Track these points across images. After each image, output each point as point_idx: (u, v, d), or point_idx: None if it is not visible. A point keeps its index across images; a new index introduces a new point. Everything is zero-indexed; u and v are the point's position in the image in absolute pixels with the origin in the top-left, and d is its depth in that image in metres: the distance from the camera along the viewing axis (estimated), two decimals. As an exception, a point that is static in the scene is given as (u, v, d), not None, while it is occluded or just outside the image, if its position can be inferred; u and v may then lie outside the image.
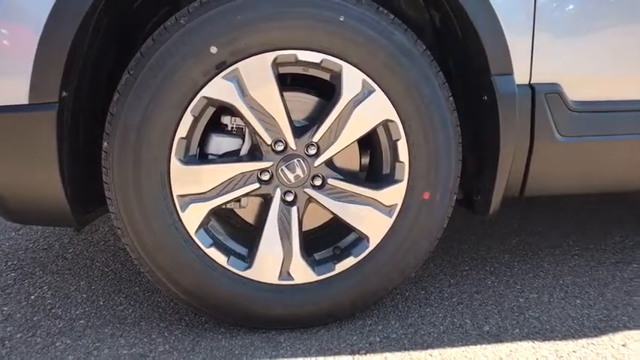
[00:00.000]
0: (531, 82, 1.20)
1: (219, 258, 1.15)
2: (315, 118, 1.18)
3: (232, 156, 1.17)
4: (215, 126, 1.18)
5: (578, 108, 1.23)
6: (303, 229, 1.21)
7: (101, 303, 1.37)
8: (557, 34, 1.19)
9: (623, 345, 1.20)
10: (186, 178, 1.10)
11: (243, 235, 1.24)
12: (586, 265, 1.62)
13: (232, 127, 1.17)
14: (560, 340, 1.22)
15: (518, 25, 1.15)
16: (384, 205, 1.18)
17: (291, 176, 1.15)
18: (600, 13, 1.21)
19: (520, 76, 1.18)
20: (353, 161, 1.26)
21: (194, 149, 1.13)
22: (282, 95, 1.11)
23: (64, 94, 1.06)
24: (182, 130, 1.08)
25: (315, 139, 1.14)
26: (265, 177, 1.15)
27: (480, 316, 1.31)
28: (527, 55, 1.17)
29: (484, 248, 1.73)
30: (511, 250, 1.73)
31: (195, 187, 1.11)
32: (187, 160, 1.11)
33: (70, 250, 1.70)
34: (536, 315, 1.32)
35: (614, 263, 1.64)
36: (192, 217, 1.12)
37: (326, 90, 1.18)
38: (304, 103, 1.21)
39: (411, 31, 1.13)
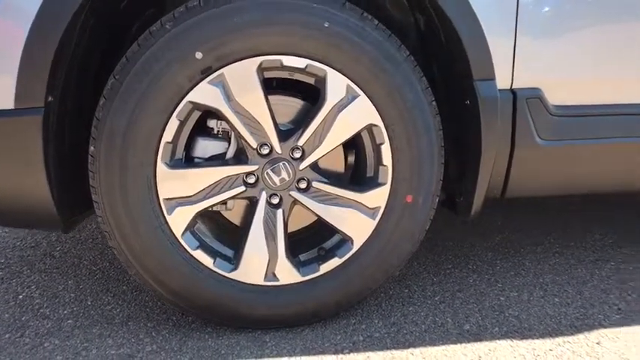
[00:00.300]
0: (513, 87, 1.22)
1: (206, 260, 1.17)
2: (301, 122, 1.19)
3: (218, 159, 1.18)
4: (201, 129, 1.19)
5: (558, 112, 1.26)
6: (289, 231, 1.23)
7: (89, 302, 1.38)
8: (539, 40, 1.21)
9: (597, 343, 1.24)
10: (173, 182, 1.12)
11: (230, 236, 1.26)
12: (566, 263, 1.66)
13: (218, 131, 1.19)
14: (537, 338, 1.26)
15: (500, 32, 1.17)
16: (367, 207, 1.20)
17: (276, 179, 1.17)
18: (581, 20, 1.24)
19: (502, 81, 1.21)
20: (338, 164, 1.28)
21: (180, 153, 1.15)
22: (267, 100, 1.12)
23: (50, 98, 1.06)
24: (168, 135, 1.09)
25: (301, 142, 1.16)
26: (251, 180, 1.16)
27: (461, 314, 1.35)
28: (509, 61, 1.20)
29: (467, 246, 1.76)
30: (494, 248, 1.76)
31: (182, 191, 1.12)
32: (173, 163, 1.12)
33: (58, 248, 1.71)
34: (515, 313, 1.36)
35: (593, 261, 1.68)
36: (179, 220, 1.14)
37: (311, 93, 1.20)
38: (290, 106, 1.22)
39: (395, 35, 1.15)
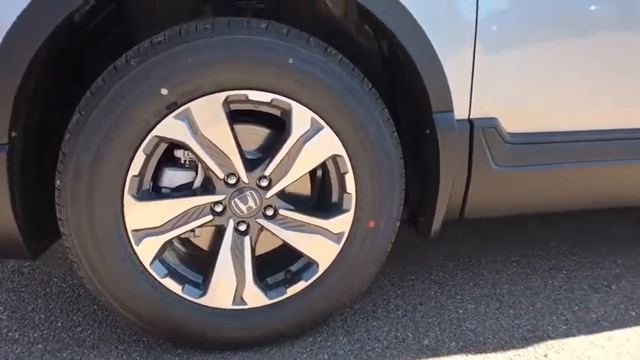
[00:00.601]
0: (470, 117, 1.28)
1: (174, 287, 1.20)
2: (268, 150, 1.22)
3: (186, 189, 1.21)
4: (168, 159, 1.21)
5: (513, 140, 1.33)
6: (256, 253, 1.27)
7: (59, 324, 1.40)
8: (495, 72, 1.26)
9: (544, 355, 1.33)
10: (140, 214, 1.14)
11: (198, 261, 1.29)
12: (522, 272, 1.76)
13: (185, 161, 1.21)
14: (491, 352, 1.34)
15: (458, 66, 1.22)
16: (332, 233, 1.25)
17: (243, 208, 1.20)
18: (535, 53, 1.29)
19: (460, 112, 1.26)
20: (304, 190, 1.32)
21: (147, 184, 1.17)
22: (233, 132, 1.15)
23: (14, 134, 1.07)
24: (135, 169, 1.11)
25: (267, 172, 1.19)
26: (218, 209, 1.19)
27: (421, 329, 1.42)
28: (466, 93, 1.25)
29: (430, 256, 1.84)
30: (455, 258, 1.84)
31: (149, 222, 1.15)
32: (140, 196, 1.14)
33: (27, 265, 1.70)
34: (472, 327, 1.44)
35: (547, 270, 1.78)
36: (147, 250, 1.16)
37: (278, 121, 1.23)
38: (256, 134, 1.25)
39: (362, 61, 1.19)
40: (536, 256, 1.87)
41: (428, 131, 1.27)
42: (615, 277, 1.76)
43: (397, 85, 1.35)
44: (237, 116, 1.20)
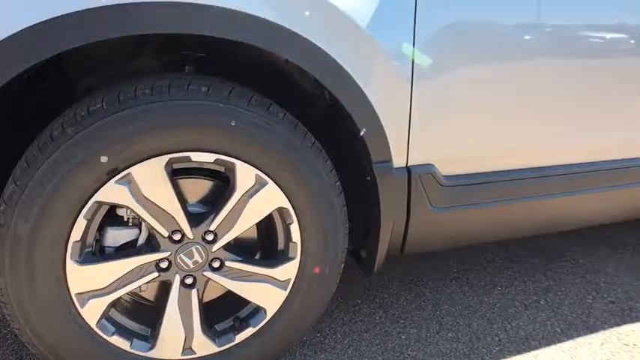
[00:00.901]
0: (408, 164, 1.34)
1: (123, 344, 1.21)
2: (213, 202, 1.24)
3: (130, 247, 1.21)
4: (111, 217, 1.20)
5: (448, 183, 1.40)
6: (204, 300, 1.29)
7: (2, 378, 1.37)
8: (431, 123, 1.33)
9: (478, 381, 1.44)
10: (84, 277, 1.13)
11: (146, 314, 1.30)
12: (460, 290, 1.87)
13: (128, 219, 1.20)
14: (430, 380, 1.44)
15: (396, 119, 1.28)
16: (279, 280, 1.29)
17: (189, 262, 1.22)
18: (469, 102, 1.36)
19: (398, 161, 1.32)
20: (250, 240, 1.34)
21: (90, 246, 1.16)
22: (177, 190, 1.15)
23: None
24: (76, 235, 1.10)
25: (212, 227, 1.21)
26: (164, 265, 1.20)
27: (366, 359, 1.50)
28: (404, 143, 1.31)
29: (375, 276, 1.92)
30: (399, 276, 1.94)
31: (94, 284, 1.14)
32: (83, 259, 1.13)
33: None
34: (413, 353, 1.53)
35: (483, 286, 1.90)
36: (92, 311, 1.16)
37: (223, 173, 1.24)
38: (201, 186, 1.26)
39: (306, 108, 1.22)
40: (474, 271, 1.99)
41: (369, 178, 1.32)
42: (544, 290, 1.91)
43: (339, 132, 1.38)
44: (181, 169, 1.20)
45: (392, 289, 1.86)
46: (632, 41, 1.50)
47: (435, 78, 1.29)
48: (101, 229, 1.18)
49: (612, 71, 1.50)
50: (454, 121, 1.36)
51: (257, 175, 1.19)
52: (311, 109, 1.37)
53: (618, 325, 1.73)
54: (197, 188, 1.25)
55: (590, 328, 1.70)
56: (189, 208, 1.21)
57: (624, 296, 1.91)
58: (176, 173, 1.18)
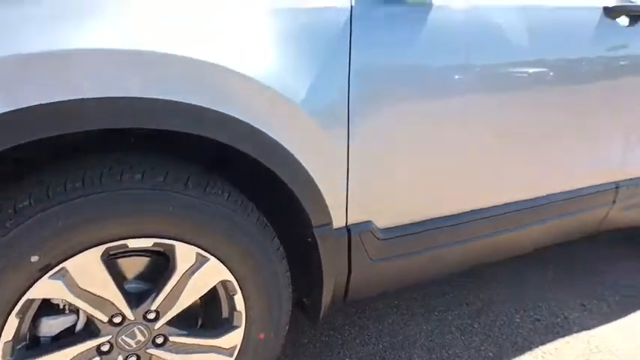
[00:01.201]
0: (347, 224, 1.38)
1: None
2: (154, 278, 1.22)
3: (68, 334, 1.17)
4: (46, 305, 1.15)
5: (386, 236, 1.46)
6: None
7: None
8: (368, 183, 1.37)
9: (419, 419, 1.53)
10: (19, 376, 1.09)
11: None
12: (401, 319, 1.96)
13: (65, 306, 1.16)
14: (375, 422, 1.51)
15: (334, 185, 1.30)
16: (224, 348, 1.30)
17: (132, 342, 1.20)
18: (401, 159, 1.41)
19: (337, 222, 1.36)
20: (193, 312, 1.33)
21: (24, 340, 1.11)
22: (115, 274, 1.13)
23: None
24: (7, 334, 1.05)
25: (154, 307, 1.19)
26: (105, 348, 1.17)
27: (314, 407, 1.55)
28: (343, 206, 1.35)
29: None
30: (343, 309, 1.99)
31: (31, 381, 1.10)
32: (17, 356, 1.09)
33: None
34: (358, 395, 1.60)
35: (422, 313, 2.01)
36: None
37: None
38: (141, 264, 1.23)
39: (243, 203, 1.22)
40: (413, 299, 2.09)
41: (309, 239, 1.35)
42: (477, 312, 2.04)
43: (279, 197, 1.40)
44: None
45: (336, 323, 1.92)
46: (539, 91, 1.60)
47: (369, 143, 1.32)
48: (35, 319, 1.14)
49: (523, 121, 1.60)
50: (389, 179, 1.41)
51: (198, 253, 1.18)
52: (250, 179, 1.36)
53: (543, 343, 1.89)
54: (136, 265, 1.23)
55: (519, 349, 1.85)
56: (129, 286, 1.19)
57: (547, 312, 2.08)
58: (115, 252, 1.15)
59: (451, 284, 2.19)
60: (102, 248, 1.08)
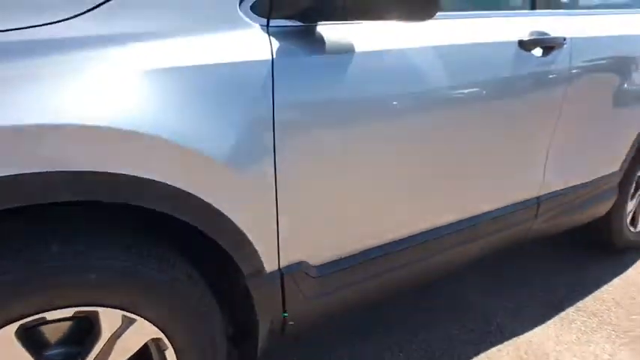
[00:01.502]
0: (280, 267, 1.38)
1: None
2: (79, 340, 1.17)
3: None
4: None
5: (320, 273, 1.48)
6: None
7: None
8: (299, 226, 1.37)
9: None
10: None
11: None
12: (336, 339, 2.00)
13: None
14: None
15: (264, 233, 1.30)
16: (159, 403, 1.28)
17: (60, 412, 1.16)
18: (328, 198, 1.42)
19: (269, 266, 1.36)
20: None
21: None
22: (33, 346, 1.08)
23: None
24: None
25: (80, 373, 1.16)
26: (30, 421, 1.13)
27: None
28: (274, 251, 1.34)
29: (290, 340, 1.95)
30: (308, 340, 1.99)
31: None
32: None
33: None
34: None
35: (358, 342, 2.02)
36: None
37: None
38: (64, 327, 1.19)
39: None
40: (345, 325, 2.10)
41: (242, 286, 1.35)
42: (420, 327, 2.10)
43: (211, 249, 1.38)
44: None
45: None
46: (461, 121, 1.64)
47: (297, 187, 1.32)
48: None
49: (448, 150, 1.64)
50: (319, 220, 1.42)
51: (123, 315, 1.15)
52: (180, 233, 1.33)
53: (476, 354, 1.98)
54: (60, 330, 1.18)
55: (456, 364, 1.93)
56: (53, 352, 1.15)
57: (482, 321, 2.18)
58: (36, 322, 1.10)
59: (384, 304, 2.23)
60: (16, 325, 1.03)
